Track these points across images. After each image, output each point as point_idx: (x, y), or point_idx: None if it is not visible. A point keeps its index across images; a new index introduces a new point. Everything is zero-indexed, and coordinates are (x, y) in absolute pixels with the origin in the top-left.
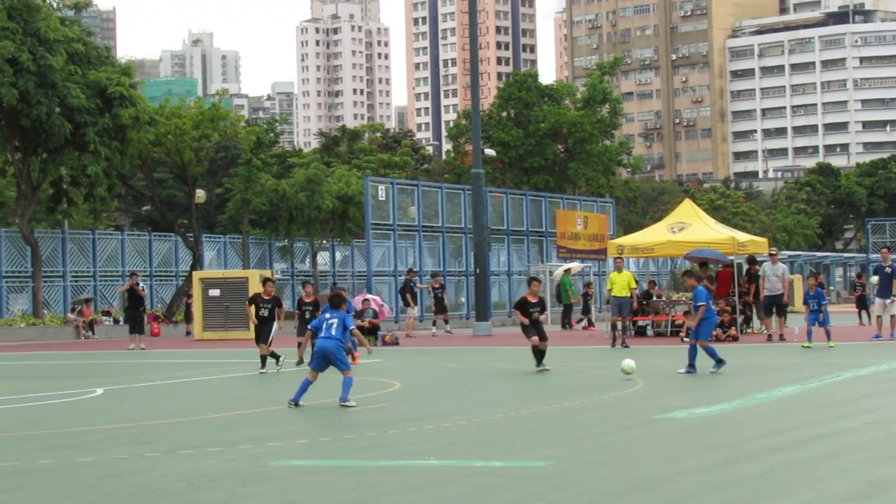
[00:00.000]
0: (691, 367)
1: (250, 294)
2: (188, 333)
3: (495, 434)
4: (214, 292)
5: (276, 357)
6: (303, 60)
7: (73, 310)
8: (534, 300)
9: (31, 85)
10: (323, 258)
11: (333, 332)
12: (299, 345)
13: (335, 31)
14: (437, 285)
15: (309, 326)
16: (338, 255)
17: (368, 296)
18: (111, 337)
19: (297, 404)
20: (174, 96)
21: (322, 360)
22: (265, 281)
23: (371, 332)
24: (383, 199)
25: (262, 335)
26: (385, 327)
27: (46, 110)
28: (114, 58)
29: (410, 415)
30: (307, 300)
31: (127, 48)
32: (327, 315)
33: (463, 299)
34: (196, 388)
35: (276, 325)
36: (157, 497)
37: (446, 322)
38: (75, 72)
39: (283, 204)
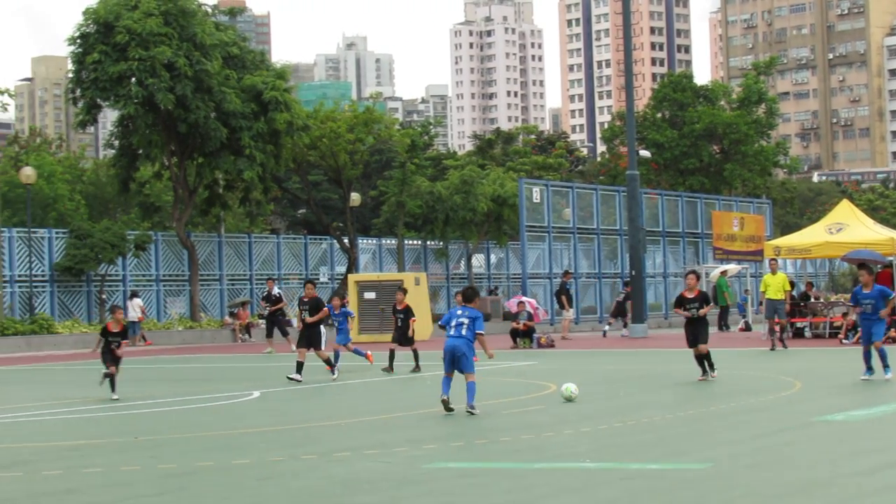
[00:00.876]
0: (870, 369)
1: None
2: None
3: (651, 436)
4: (370, 295)
5: (332, 364)
6: (457, 63)
7: (230, 313)
8: (691, 295)
9: (187, 90)
10: (478, 260)
11: (464, 331)
12: (414, 352)
13: (489, 33)
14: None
15: (439, 323)
16: (493, 258)
17: (524, 298)
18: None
19: (448, 400)
20: (328, 100)
21: (450, 360)
22: (306, 283)
23: (526, 334)
24: (538, 201)
25: (302, 339)
26: (540, 329)
27: (203, 115)
28: (268, 62)
29: (566, 417)
30: (399, 307)
31: (281, 52)
32: (458, 311)
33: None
34: (352, 391)
35: (324, 328)
36: (313, 499)
37: (625, 325)
38: (231, 76)
39: (438, 206)
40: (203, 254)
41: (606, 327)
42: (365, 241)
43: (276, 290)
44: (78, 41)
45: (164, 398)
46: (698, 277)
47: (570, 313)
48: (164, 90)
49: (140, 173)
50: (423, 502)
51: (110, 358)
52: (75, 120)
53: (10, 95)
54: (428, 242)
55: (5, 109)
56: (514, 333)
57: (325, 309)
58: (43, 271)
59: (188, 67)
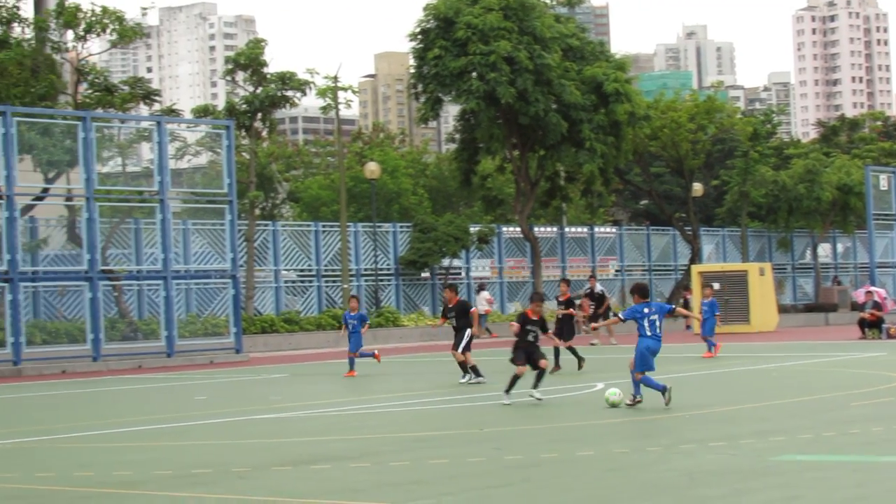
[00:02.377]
0: None
1: None
2: (688, 328)
3: None
4: (714, 286)
5: (476, 371)
6: (799, 49)
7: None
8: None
9: (528, 83)
10: (824, 250)
11: (658, 330)
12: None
13: (832, 18)
14: None
15: (621, 316)
16: (839, 247)
17: (872, 287)
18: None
19: (661, 391)
20: (669, 90)
21: (651, 360)
22: (447, 287)
23: (874, 324)
24: (885, 188)
25: (455, 342)
26: (889, 320)
27: (543, 108)
28: (608, 53)
29: None
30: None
31: (620, 43)
32: (645, 310)
33: None
34: (697, 382)
35: (468, 332)
36: (657, 491)
37: None
38: (570, 69)
39: (781, 195)
40: (545, 246)
41: None
42: (708, 231)
43: (598, 288)
44: (419, 37)
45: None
46: None
47: None
48: (505, 84)
49: (482, 166)
50: (769, 496)
51: (522, 354)
52: (417, 115)
53: (354, 92)
54: (772, 232)
55: (349, 106)
56: (862, 324)
57: (475, 309)
58: (388, 265)
59: (528, 61)
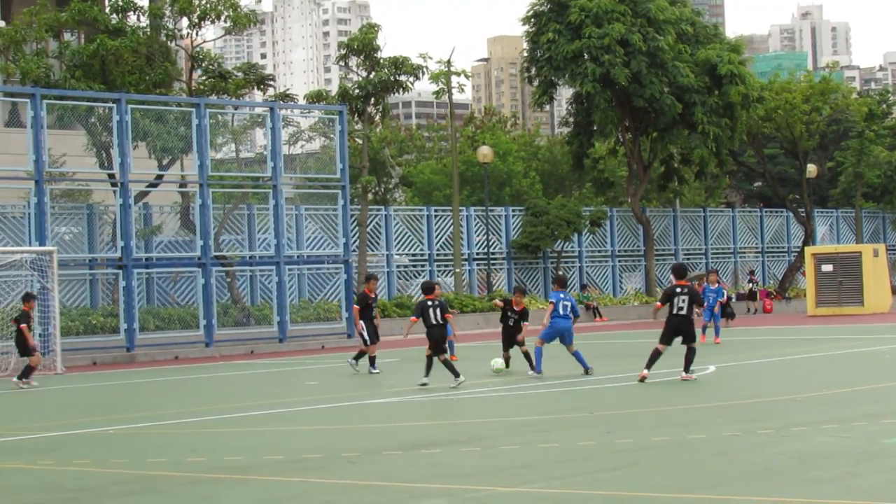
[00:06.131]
0: None
1: None
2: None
3: None
4: (827, 268)
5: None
6: None
7: None
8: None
9: (641, 66)
10: None
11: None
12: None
13: None
14: None
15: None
16: None
17: None
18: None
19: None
20: (783, 71)
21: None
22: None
23: None
24: None
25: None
26: None
27: (658, 90)
28: (722, 35)
29: None
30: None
31: (735, 24)
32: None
33: None
34: (809, 365)
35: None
36: (768, 474)
37: None
38: (684, 51)
39: None
40: (658, 228)
41: None
42: (822, 212)
43: None
44: (532, 20)
45: (619, 373)
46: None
47: None
48: (619, 66)
49: (594, 149)
50: (880, 478)
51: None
52: (532, 99)
53: (467, 76)
54: (887, 213)
55: (462, 90)
56: None
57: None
58: (500, 249)
59: (642, 43)
